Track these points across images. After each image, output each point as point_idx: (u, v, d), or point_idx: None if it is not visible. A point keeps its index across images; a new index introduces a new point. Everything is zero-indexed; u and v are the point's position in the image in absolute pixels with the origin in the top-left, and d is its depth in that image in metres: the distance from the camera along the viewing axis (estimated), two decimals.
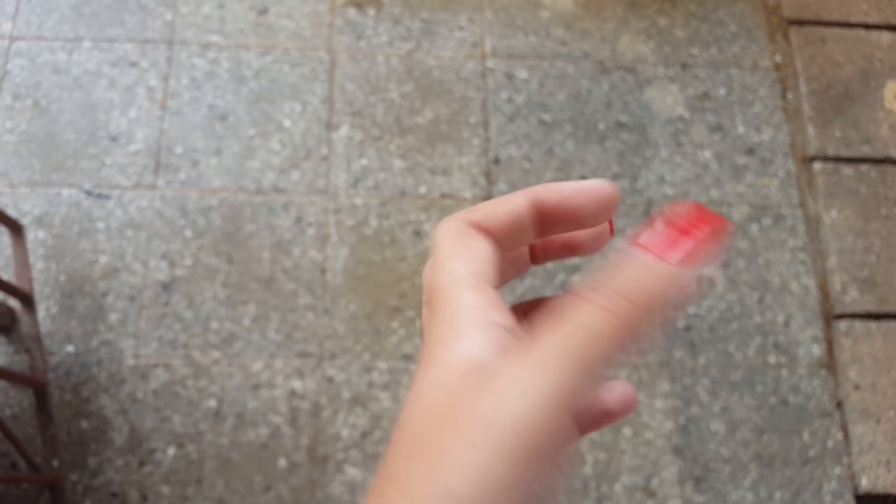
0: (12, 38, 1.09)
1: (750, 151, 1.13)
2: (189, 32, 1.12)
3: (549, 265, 1.04)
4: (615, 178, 1.10)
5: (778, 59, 1.19)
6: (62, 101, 1.07)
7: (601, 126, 1.13)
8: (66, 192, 1.02)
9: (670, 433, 0.97)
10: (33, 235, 0.99)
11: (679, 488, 0.95)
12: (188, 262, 0.99)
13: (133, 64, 1.10)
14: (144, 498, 0.89)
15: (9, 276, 0.96)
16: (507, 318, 0.18)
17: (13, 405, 0.92)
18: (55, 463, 0.90)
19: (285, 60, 1.12)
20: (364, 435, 0.94)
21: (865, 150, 1.13)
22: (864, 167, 1.12)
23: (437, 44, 1.15)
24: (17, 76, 1.07)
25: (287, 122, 1.09)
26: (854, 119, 1.15)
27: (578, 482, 0.94)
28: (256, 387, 0.94)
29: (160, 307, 0.97)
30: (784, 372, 1.01)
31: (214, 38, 1.12)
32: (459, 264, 0.19)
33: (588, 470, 0.95)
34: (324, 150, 1.07)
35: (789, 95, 1.17)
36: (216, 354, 0.95)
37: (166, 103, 1.08)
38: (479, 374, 0.16)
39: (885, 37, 1.20)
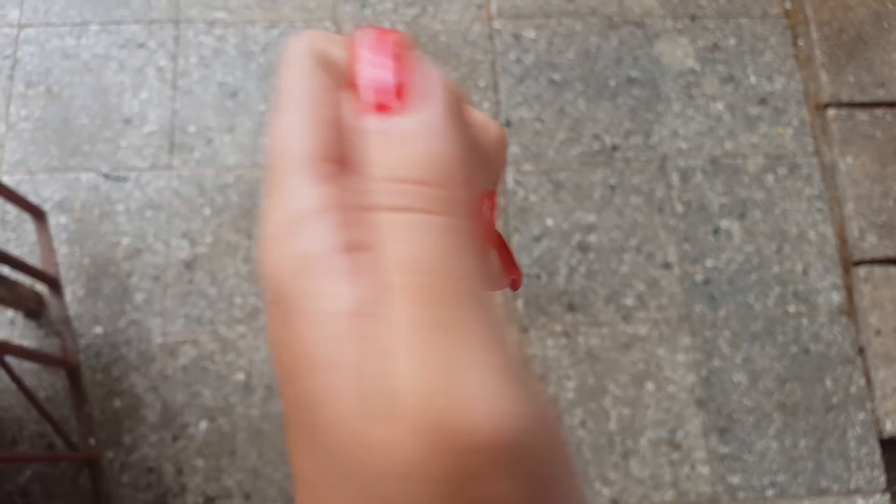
0: (20, 26, 1.10)
1: (763, 101, 1.12)
2: (194, 10, 1.12)
3: (565, 225, 1.05)
4: (628, 134, 1.10)
5: (788, 5, 1.17)
6: (74, 87, 1.07)
7: (612, 83, 1.12)
8: (84, 176, 1.03)
9: (693, 386, 0.98)
10: (55, 221, 1.01)
11: (704, 440, 0.96)
12: (209, 239, 1.01)
13: (141, 45, 1.10)
14: (180, 471, 0.92)
15: (34, 262, 0.98)
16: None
17: (47, 387, 0.94)
18: (92, 441, 0.92)
19: (292, 33, 1.12)
20: None
21: (880, 94, 1.11)
22: (879, 111, 1.11)
23: (442, 7, 1.14)
24: (27, 64, 1.08)
25: None
26: (867, 63, 1.13)
27: (604, 437, 0.96)
28: None
29: (184, 285, 0.98)
30: (804, 321, 1.01)
31: (220, 14, 1.12)
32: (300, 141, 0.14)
33: (613, 425, 0.96)
34: None
35: (801, 42, 1.15)
36: (242, 329, 0.97)
37: (177, 83, 1.08)
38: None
39: None
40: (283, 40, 1.11)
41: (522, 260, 1.02)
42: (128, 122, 1.06)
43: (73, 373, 0.94)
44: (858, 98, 1.11)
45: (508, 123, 1.10)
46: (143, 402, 0.94)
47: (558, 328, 1.00)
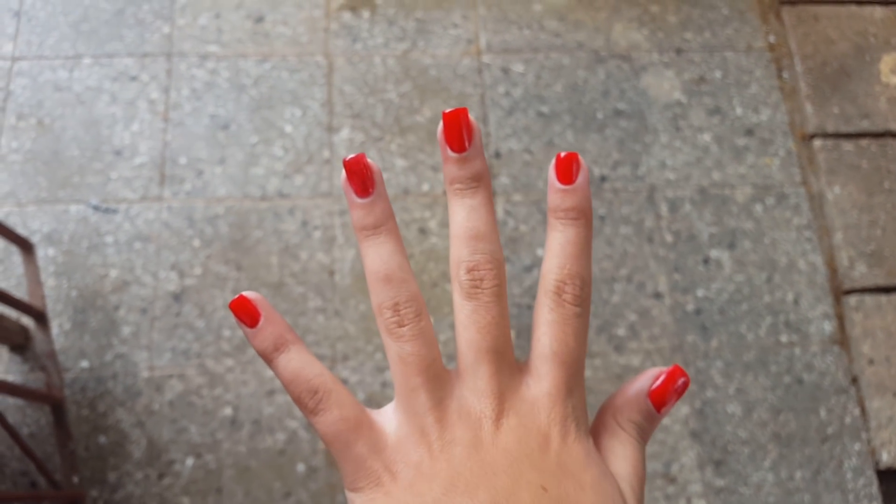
0: (14, 59, 1.11)
1: (749, 132, 1.14)
2: (187, 44, 1.13)
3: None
4: (616, 165, 1.11)
5: (772, 39, 1.19)
6: (65, 119, 1.08)
7: (599, 115, 1.13)
8: (73, 208, 1.03)
9: (687, 418, 0.97)
10: (43, 253, 1.00)
11: (699, 472, 0.95)
12: (197, 271, 1.00)
13: (133, 78, 1.11)
14: None
15: (21, 294, 0.97)
16: None
17: (31, 423, 0.92)
18: (75, 479, 0.90)
19: (283, 67, 1.13)
20: None
21: (865, 125, 1.13)
22: (864, 142, 1.12)
23: (432, 42, 1.16)
24: (20, 96, 1.08)
25: (288, 128, 1.09)
26: (851, 95, 1.15)
27: None
28: (271, 392, 0.95)
29: (172, 318, 0.97)
30: (797, 350, 1.01)
31: (212, 48, 1.13)
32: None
33: None
34: (326, 154, 1.08)
35: (785, 75, 1.18)
36: (230, 362, 0.96)
37: (168, 115, 1.09)
38: None
39: (878, 11, 1.21)
40: (275, 73, 1.13)
41: (513, 290, 1.02)
42: (118, 153, 1.06)
43: (57, 408, 0.92)
44: (843, 129, 1.13)
45: (498, 155, 1.10)
46: (129, 438, 0.92)
47: None
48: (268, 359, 0.21)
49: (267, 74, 1.12)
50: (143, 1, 1.15)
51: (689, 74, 1.16)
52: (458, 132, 0.22)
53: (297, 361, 0.21)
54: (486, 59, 1.16)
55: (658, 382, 0.22)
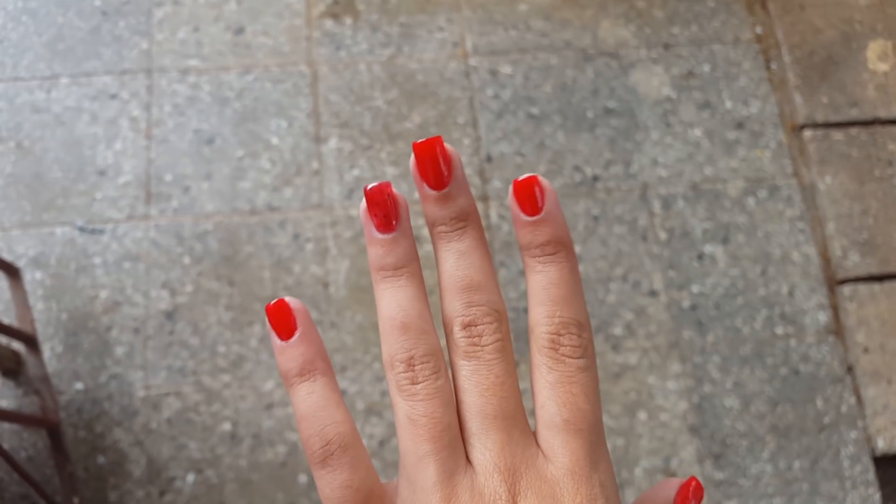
0: None
1: (740, 125, 1.13)
2: (167, 59, 1.11)
3: None
4: (608, 164, 1.10)
5: (759, 30, 1.19)
6: (46, 140, 1.06)
7: (589, 114, 1.12)
8: (59, 230, 1.01)
9: (685, 413, 0.98)
10: (31, 277, 0.99)
11: (699, 466, 0.96)
12: (189, 288, 0.99)
13: (113, 96, 1.09)
14: None
15: (10, 320, 0.95)
16: None
17: (28, 447, 0.92)
18: (76, 501, 0.90)
19: (267, 78, 1.11)
20: (381, 444, 0.94)
21: (854, 114, 1.13)
22: (853, 130, 1.12)
23: (417, 47, 1.14)
24: None
25: (275, 140, 1.08)
26: (840, 83, 1.15)
27: None
28: (270, 406, 0.94)
29: (165, 336, 0.96)
30: (792, 342, 1.01)
31: (193, 62, 1.11)
32: None
33: None
34: (314, 165, 1.07)
35: (773, 66, 1.17)
36: (226, 378, 0.95)
37: (151, 132, 1.07)
38: None
39: None
40: (258, 85, 1.11)
41: (510, 294, 1.02)
42: (102, 173, 1.05)
43: (53, 431, 0.91)
44: (833, 118, 1.13)
45: (489, 159, 1.10)
46: (128, 457, 0.92)
47: None
48: (288, 383, 0.19)
49: (250, 86, 1.10)
50: (119, 17, 1.12)
51: (677, 69, 1.16)
52: (435, 165, 0.19)
53: (318, 397, 0.18)
54: (473, 61, 1.14)
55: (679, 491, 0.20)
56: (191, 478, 0.91)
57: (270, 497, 0.91)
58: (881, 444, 0.98)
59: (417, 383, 0.18)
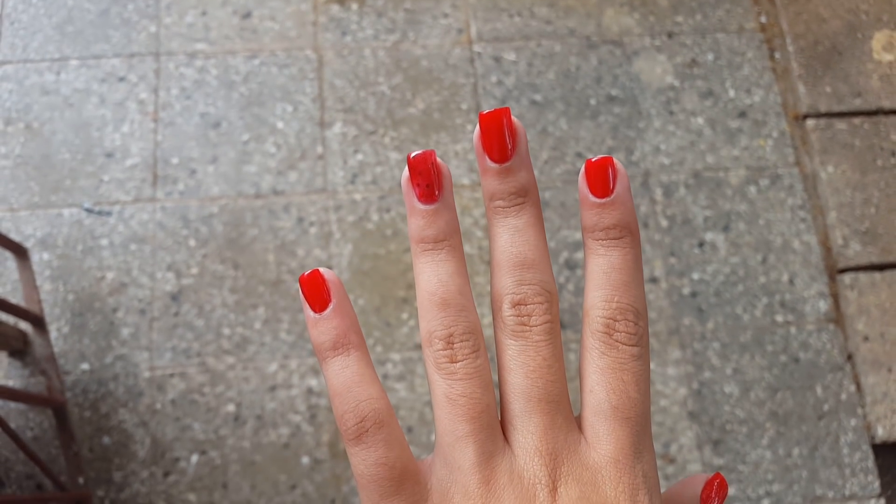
0: None
1: (742, 114, 1.14)
2: (174, 43, 1.12)
3: (552, 243, 1.05)
4: (610, 151, 1.11)
5: (763, 19, 1.19)
6: (54, 122, 1.07)
7: (592, 101, 1.13)
8: (66, 211, 1.02)
9: (685, 399, 0.98)
10: (38, 257, 1.00)
11: (698, 452, 0.96)
12: (194, 270, 1.00)
13: (121, 79, 1.10)
14: None
15: (17, 300, 0.96)
16: None
17: (34, 426, 0.93)
18: (81, 480, 0.91)
19: (273, 62, 1.12)
20: None
21: (857, 104, 1.13)
22: (856, 120, 1.12)
23: (422, 33, 1.15)
24: (6, 101, 1.07)
25: (280, 124, 1.09)
26: (843, 73, 1.15)
27: None
28: (273, 388, 0.95)
29: (171, 318, 0.97)
30: (792, 329, 1.02)
31: (200, 46, 1.12)
32: None
33: None
34: (319, 149, 1.08)
35: (777, 55, 1.17)
36: (230, 360, 0.96)
37: (158, 115, 1.08)
38: None
39: None
40: (264, 70, 1.12)
41: None
42: (110, 155, 1.06)
43: (59, 411, 0.92)
44: (836, 108, 1.13)
45: None
46: (133, 437, 0.93)
47: None
48: (322, 356, 0.18)
49: (256, 71, 1.11)
50: (127, 0, 1.13)
51: (681, 58, 1.16)
52: (500, 137, 0.18)
53: (352, 372, 0.18)
54: (477, 48, 1.15)
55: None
56: (195, 458, 0.92)
57: (273, 478, 0.92)
58: (880, 432, 0.99)
59: (456, 361, 0.18)
